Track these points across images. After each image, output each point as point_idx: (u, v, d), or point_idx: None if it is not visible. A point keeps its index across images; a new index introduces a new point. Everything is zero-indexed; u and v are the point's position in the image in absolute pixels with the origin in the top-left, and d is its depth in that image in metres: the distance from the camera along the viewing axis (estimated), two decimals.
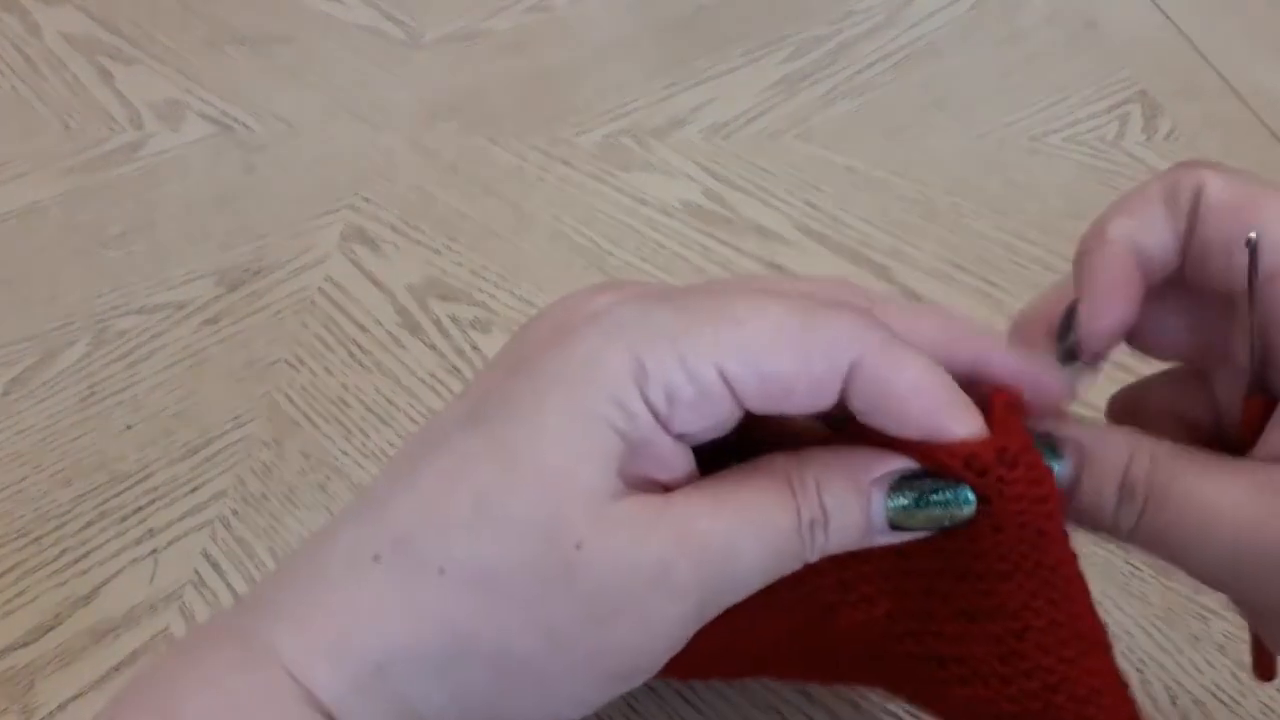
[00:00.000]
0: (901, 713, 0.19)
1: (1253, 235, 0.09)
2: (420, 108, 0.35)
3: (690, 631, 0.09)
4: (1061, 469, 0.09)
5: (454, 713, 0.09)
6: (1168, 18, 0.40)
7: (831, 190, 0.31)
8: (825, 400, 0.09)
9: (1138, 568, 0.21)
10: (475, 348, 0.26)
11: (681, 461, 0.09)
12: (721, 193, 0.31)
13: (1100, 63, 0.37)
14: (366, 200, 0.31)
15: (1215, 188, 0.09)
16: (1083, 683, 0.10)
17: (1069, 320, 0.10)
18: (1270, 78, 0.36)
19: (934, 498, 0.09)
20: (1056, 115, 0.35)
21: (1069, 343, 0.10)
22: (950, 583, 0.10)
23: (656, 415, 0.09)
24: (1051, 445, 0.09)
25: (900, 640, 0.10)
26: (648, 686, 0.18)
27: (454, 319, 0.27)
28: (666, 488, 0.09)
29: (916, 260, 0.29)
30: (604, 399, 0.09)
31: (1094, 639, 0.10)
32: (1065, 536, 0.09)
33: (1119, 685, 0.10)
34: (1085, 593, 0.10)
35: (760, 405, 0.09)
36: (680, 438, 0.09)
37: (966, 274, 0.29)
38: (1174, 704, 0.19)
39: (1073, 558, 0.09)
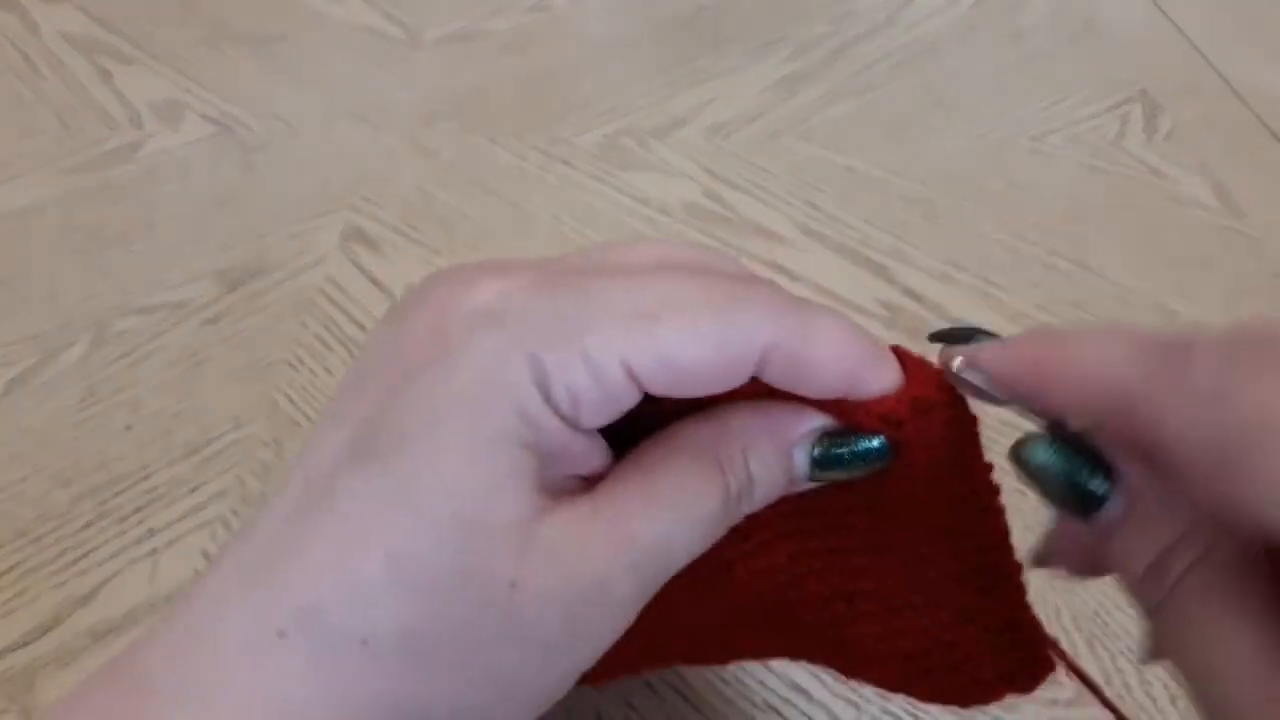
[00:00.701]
0: (901, 713, 0.19)
1: (954, 365, 0.08)
2: (420, 107, 0.35)
3: (630, 622, 0.08)
4: (1108, 502, 0.08)
5: None
6: (1168, 18, 0.40)
7: (831, 190, 0.31)
8: (736, 382, 0.08)
9: None
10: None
11: (595, 452, 0.09)
12: (721, 192, 0.31)
13: (1101, 62, 0.37)
14: (366, 200, 0.31)
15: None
16: (998, 614, 0.09)
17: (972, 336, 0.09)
18: (1270, 77, 0.36)
19: (855, 451, 0.09)
20: (1057, 115, 0.35)
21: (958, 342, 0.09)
22: (858, 517, 0.09)
23: (563, 419, 0.08)
24: (1109, 471, 0.08)
25: (803, 581, 0.10)
26: (646, 684, 0.18)
27: None
28: (585, 478, 0.09)
29: (916, 260, 0.29)
30: (507, 415, 0.08)
31: (1010, 575, 0.09)
32: (985, 468, 0.09)
33: (1034, 622, 0.10)
34: (1003, 528, 0.09)
35: (667, 393, 0.08)
36: (587, 432, 0.08)
37: (966, 274, 0.29)
38: (1174, 704, 0.19)
39: (991, 489, 0.09)
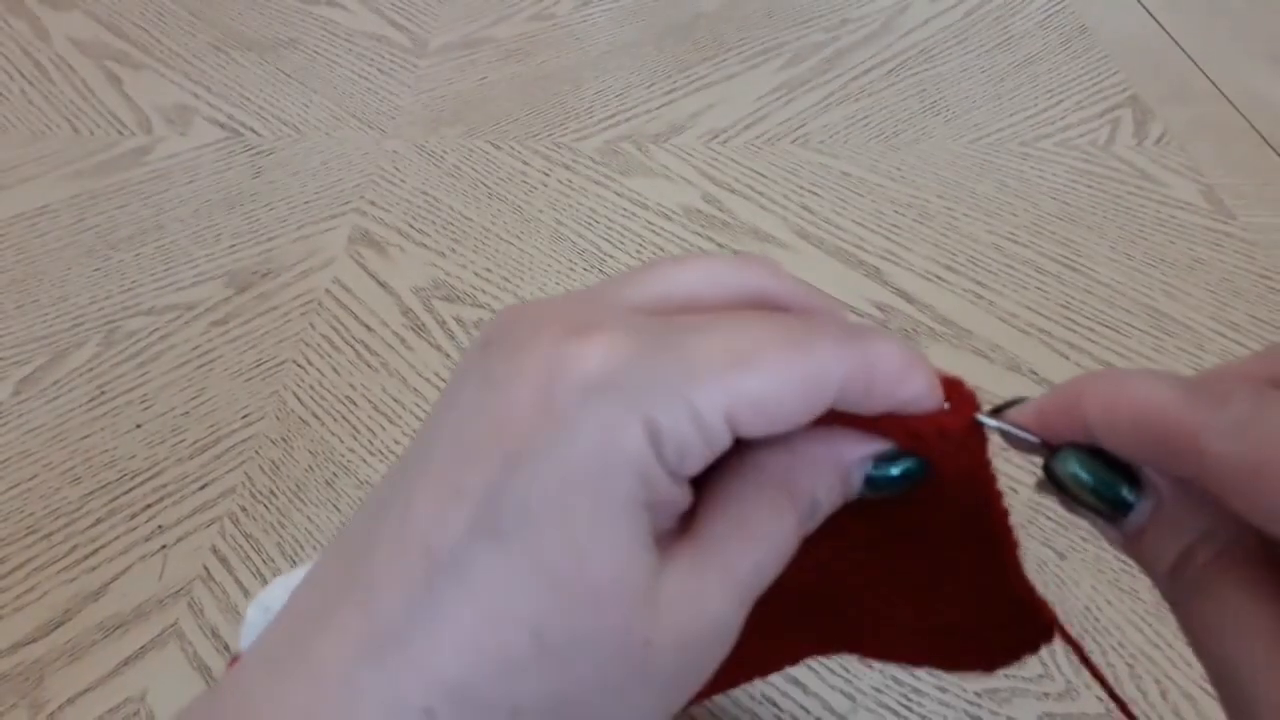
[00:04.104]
0: (897, 705, 0.19)
1: (981, 419, 0.09)
2: (425, 113, 0.36)
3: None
4: (1137, 506, 0.09)
5: None
6: (1159, 24, 0.41)
7: (826, 194, 0.32)
8: (815, 416, 0.09)
9: (1127, 564, 0.21)
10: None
11: (687, 495, 0.09)
12: (720, 197, 0.32)
13: (1092, 68, 0.38)
14: (372, 204, 0.32)
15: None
16: (1007, 590, 0.11)
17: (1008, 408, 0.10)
18: (1260, 82, 0.37)
19: (904, 470, 0.10)
20: (1049, 120, 0.35)
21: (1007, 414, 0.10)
22: (891, 509, 0.10)
23: (671, 474, 0.08)
24: (1135, 479, 0.09)
25: (846, 573, 0.11)
26: None
27: (459, 320, 0.28)
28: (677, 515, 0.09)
29: (910, 262, 0.29)
30: (629, 483, 0.08)
31: (1014, 556, 0.11)
32: (993, 479, 0.10)
33: (1034, 593, 0.11)
34: (1007, 522, 0.10)
35: (758, 435, 0.09)
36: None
37: (958, 275, 0.29)
38: (1164, 698, 0.19)
39: (997, 494, 0.10)
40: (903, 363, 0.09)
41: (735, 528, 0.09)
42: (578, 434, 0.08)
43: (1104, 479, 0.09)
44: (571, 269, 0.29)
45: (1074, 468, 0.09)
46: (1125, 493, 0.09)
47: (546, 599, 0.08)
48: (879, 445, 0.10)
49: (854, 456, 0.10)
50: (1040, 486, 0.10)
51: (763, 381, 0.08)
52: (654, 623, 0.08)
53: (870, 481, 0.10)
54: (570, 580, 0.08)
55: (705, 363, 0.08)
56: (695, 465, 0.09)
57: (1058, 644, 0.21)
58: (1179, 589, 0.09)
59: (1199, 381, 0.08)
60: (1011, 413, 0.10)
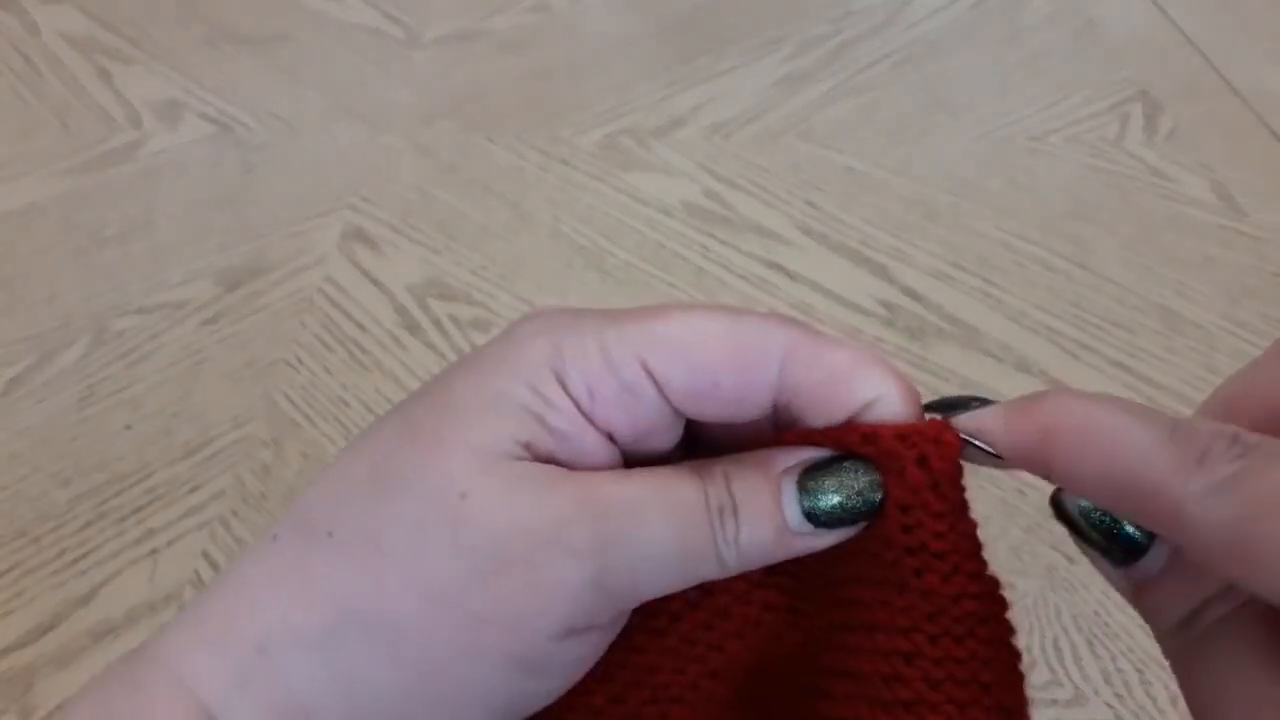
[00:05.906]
0: None
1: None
2: (420, 107, 0.35)
3: (590, 604, 0.08)
4: (1150, 552, 0.08)
5: (339, 703, 0.08)
6: (1168, 18, 0.40)
7: (831, 190, 0.31)
8: (757, 403, 0.09)
9: None
10: (475, 347, 0.26)
11: (606, 449, 0.09)
12: (721, 192, 0.31)
13: (1101, 62, 0.37)
14: (365, 200, 0.31)
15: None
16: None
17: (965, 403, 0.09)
18: (1271, 77, 0.36)
19: (846, 484, 0.09)
20: (1057, 115, 0.35)
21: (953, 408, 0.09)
22: (859, 589, 0.09)
23: (578, 406, 0.08)
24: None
25: (808, 650, 0.10)
26: None
27: (453, 318, 0.27)
28: None
29: (916, 260, 0.29)
30: (512, 378, 0.09)
31: (1005, 702, 0.09)
32: (986, 580, 0.09)
33: None
34: (1008, 649, 0.09)
35: (690, 404, 0.09)
36: (610, 437, 0.09)
37: (966, 273, 0.29)
38: (1174, 705, 0.19)
39: (998, 604, 0.09)
40: (865, 358, 0.09)
41: (617, 471, 0.09)
42: (491, 345, 0.09)
43: (1115, 519, 0.08)
44: (569, 266, 0.29)
45: (1085, 504, 0.08)
46: (1140, 536, 0.08)
47: (394, 440, 0.09)
48: (814, 452, 0.09)
49: (782, 463, 0.09)
50: (1055, 513, 0.09)
51: (680, 332, 0.08)
52: (479, 482, 0.08)
53: (809, 509, 0.09)
54: (419, 425, 0.09)
55: (628, 314, 0.09)
56: (610, 407, 0.09)
57: (1066, 650, 0.21)
58: (1183, 647, 0.08)
59: (1174, 428, 0.07)
60: (967, 422, 0.08)
